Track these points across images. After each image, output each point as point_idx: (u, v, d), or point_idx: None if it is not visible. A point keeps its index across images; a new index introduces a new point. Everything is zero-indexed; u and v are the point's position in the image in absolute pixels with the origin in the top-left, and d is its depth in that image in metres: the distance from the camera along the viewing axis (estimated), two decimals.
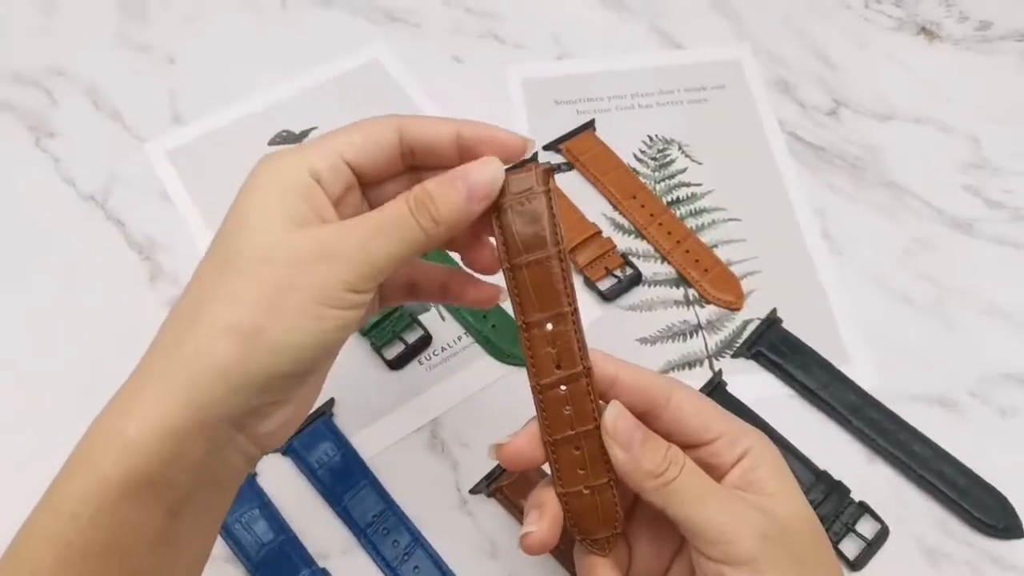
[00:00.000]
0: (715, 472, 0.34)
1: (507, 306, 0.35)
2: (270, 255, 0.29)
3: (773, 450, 0.34)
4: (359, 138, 0.32)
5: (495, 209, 0.32)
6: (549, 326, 0.33)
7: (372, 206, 0.33)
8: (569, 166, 0.35)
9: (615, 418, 0.33)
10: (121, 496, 0.28)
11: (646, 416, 0.34)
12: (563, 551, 0.44)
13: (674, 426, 0.34)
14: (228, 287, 0.29)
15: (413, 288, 0.39)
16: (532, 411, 0.34)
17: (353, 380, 0.51)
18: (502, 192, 0.32)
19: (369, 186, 0.34)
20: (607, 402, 0.34)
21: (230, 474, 0.31)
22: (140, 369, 0.30)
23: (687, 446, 0.34)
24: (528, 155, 0.34)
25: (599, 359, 0.34)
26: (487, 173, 0.32)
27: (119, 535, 0.28)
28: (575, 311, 0.33)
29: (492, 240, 0.34)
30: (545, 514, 0.34)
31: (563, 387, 0.33)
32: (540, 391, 0.33)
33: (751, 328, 0.54)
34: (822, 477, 0.48)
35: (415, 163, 0.34)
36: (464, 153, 0.33)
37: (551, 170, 0.33)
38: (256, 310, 0.28)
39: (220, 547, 0.46)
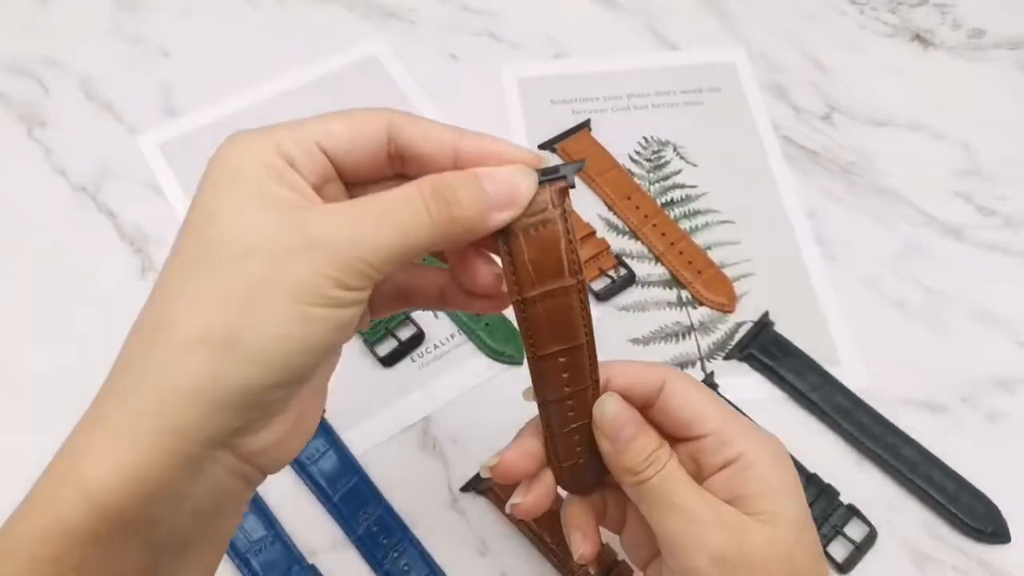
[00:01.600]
0: (698, 474, 0.32)
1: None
2: (247, 247, 0.24)
3: (776, 462, 0.32)
4: (339, 127, 0.27)
5: (503, 231, 0.28)
6: (563, 359, 0.30)
7: None
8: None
9: (603, 410, 0.32)
10: (88, 541, 0.24)
11: (640, 406, 0.33)
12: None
13: (665, 417, 0.33)
14: (196, 288, 0.25)
15: (406, 296, 0.33)
16: (523, 410, 0.34)
17: (345, 377, 0.51)
18: None
19: (351, 186, 0.29)
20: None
21: (225, 498, 0.27)
22: (102, 395, 0.25)
23: (677, 439, 0.33)
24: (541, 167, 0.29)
25: None
26: (521, 180, 0.27)
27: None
28: (591, 342, 0.30)
29: (494, 257, 0.31)
30: (533, 487, 0.34)
31: (570, 400, 0.32)
32: (545, 407, 0.32)
33: (743, 330, 0.54)
34: (812, 479, 0.48)
35: (403, 170, 0.29)
36: (463, 167, 0.28)
37: (567, 188, 0.28)
38: (234, 313, 0.24)
39: None
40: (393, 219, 0.25)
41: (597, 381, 0.32)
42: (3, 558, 0.24)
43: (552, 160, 0.29)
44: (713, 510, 0.31)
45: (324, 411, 0.50)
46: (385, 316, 0.34)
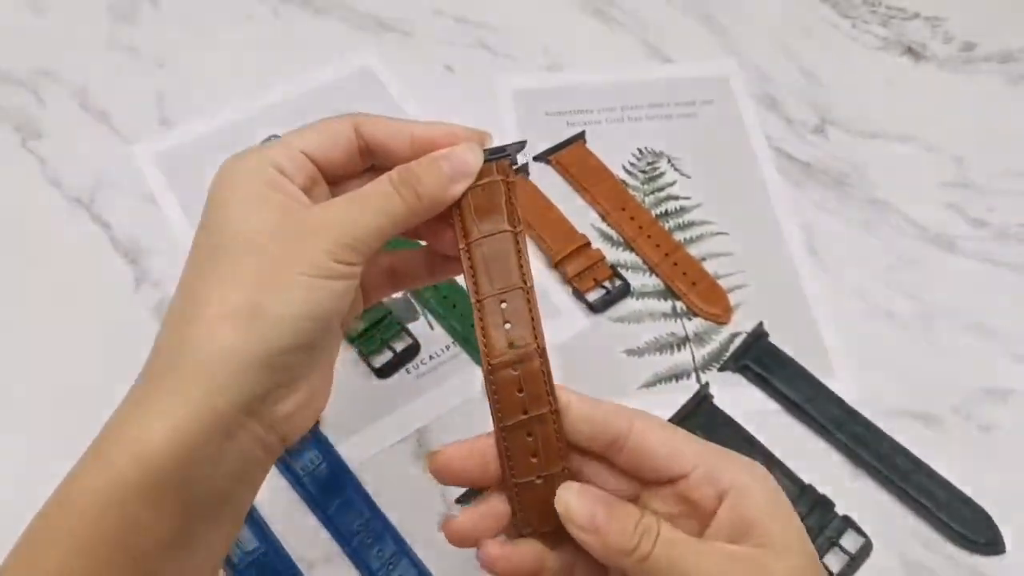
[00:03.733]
0: (697, 509, 0.31)
1: None
2: (256, 238, 0.30)
3: (765, 485, 0.31)
4: (314, 133, 0.33)
5: (457, 202, 0.33)
6: (504, 304, 0.32)
7: None
8: (526, 170, 0.35)
9: (567, 501, 0.30)
10: (135, 495, 0.27)
11: (609, 449, 0.32)
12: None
13: (640, 459, 0.31)
14: (218, 275, 0.29)
15: (395, 276, 0.38)
16: None
17: (340, 388, 0.50)
18: None
19: (333, 184, 0.34)
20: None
21: (250, 466, 0.31)
22: (147, 371, 0.30)
23: (659, 482, 0.32)
24: (487, 145, 0.34)
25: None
26: (469, 155, 0.33)
27: (128, 534, 0.28)
28: (531, 289, 0.32)
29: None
30: (481, 507, 0.32)
31: (513, 370, 0.31)
32: (491, 371, 0.31)
33: (738, 341, 0.54)
34: (807, 491, 0.48)
35: (374, 162, 0.35)
36: (419, 150, 0.33)
37: (509, 164, 0.33)
38: (252, 290, 0.29)
39: None
40: (374, 204, 0.31)
41: (544, 350, 0.31)
42: (58, 511, 0.28)
43: (495, 142, 0.34)
44: (731, 559, 0.29)
45: (319, 421, 0.50)
46: (379, 300, 0.40)
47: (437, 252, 0.37)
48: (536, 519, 0.32)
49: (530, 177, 0.60)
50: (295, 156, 0.32)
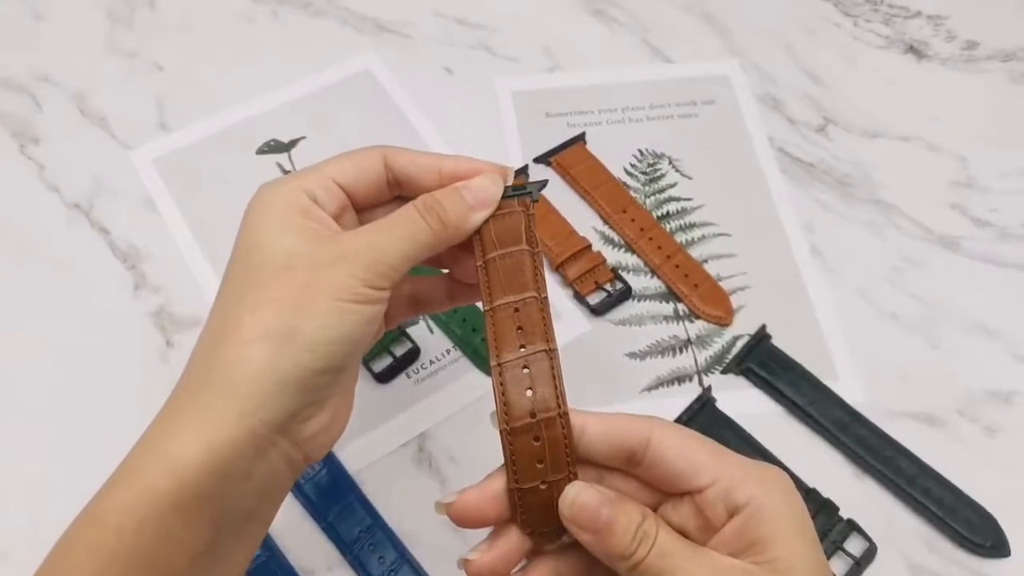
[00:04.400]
0: (707, 526, 0.30)
1: None
2: (289, 263, 0.31)
3: (785, 499, 0.30)
4: (347, 164, 0.35)
5: (478, 231, 0.35)
6: (516, 309, 0.32)
7: None
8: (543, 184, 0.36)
9: (572, 502, 0.30)
10: (169, 509, 0.28)
11: (627, 464, 0.31)
12: None
13: (658, 470, 0.31)
14: (254, 298, 0.31)
15: (417, 301, 0.40)
16: None
17: None
18: None
19: (361, 211, 0.36)
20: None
21: (276, 482, 0.32)
22: (181, 388, 0.31)
23: (675, 494, 0.31)
24: (509, 180, 0.36)
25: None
26: (490, 186, 0.35)
27: (163, 548, 0.28)
28: (544, 299, 0.33)
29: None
30: (495, 546, 0.31)
31: (526, 369, 0.31)
32: (500, 371, 0.31)
33: (740, 344, 0.54)
34: (811, 495, 0.48)
35: (401, 192, 0.36)
36: (446, 183, 0.35)
37: (530, 201, 0.35)
38: (286, 313, 0.30)
39: None
40: (401, 231, 0.33)
41: (555, 350, 0.31)
42: (90, 527, 0.29)
43: (520, 168, 0.36)
44: (724, 572, 0.29)
45: None
46: (400, 321, 0.42)
47: (457, 280, 0.40)
48: (538, 520, 0.31)
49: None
50: (328, 186, 0.34)
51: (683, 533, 0.31)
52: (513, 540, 0.31)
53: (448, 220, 0.33)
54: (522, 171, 0.37)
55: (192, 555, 0.29)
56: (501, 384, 0.31)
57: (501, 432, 0.31)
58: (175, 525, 0.28)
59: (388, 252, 0.32)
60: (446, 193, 0.34)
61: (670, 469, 0.31)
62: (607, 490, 0.31)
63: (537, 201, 0.35)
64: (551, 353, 0.31)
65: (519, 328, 0.32)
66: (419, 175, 0.35)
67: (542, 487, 0.31)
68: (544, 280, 0.33)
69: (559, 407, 0.31)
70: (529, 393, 0.31)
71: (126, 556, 0.28)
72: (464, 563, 0.31)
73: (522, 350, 0.31)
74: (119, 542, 0.28)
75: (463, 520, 0.31)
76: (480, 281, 0.34)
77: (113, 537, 0.28)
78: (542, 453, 0.30)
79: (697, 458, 0.31)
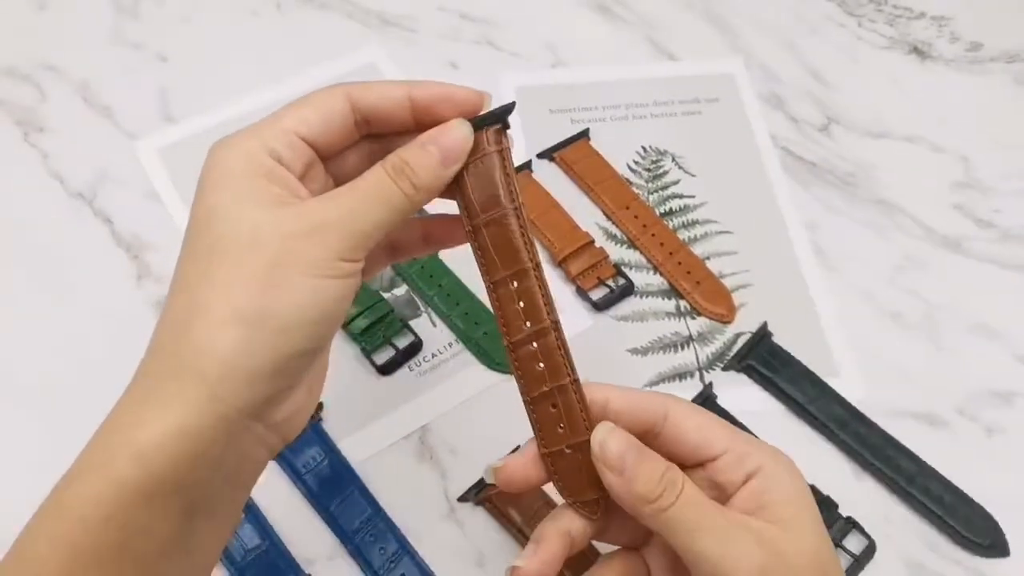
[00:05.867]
0: (722, 492, 0.32)
1: None
2: (256, 237, 0.28)
3: (790, 471, 0.33)
4: (310, 112, 0.31)
5: (456, 176, 0.33)
6: (514, 284, 0.32)
7: (336, 179, 0.33)
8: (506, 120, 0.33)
9: (603, 440, 0.31)
10: (137, 499, 0.27)
11: (645, 436, 0.33)
12: None
13: (674, 444, 0.33)
14: (219, 276, 0.28)
15: (393, 249, 0.37)
16: (522, 420, 0.34)
17: (342, 385, 0.51)
18: None
19: (329, 159, 0.33)
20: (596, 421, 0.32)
21: (250, 467, 0.31)
22: (142, 374, 0.29)
23: (690, 465, 0.33)
24: (488, 106, 0.33)
25: (588, 386, 0.33)
26: (458, 135, 0.31)
27: (131, 538, 0.27)
28: (537, 266, 0.32)
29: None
30: (540, 551, 0.32)
31: (533, 343, 0.33)
32: (513, 349, 0.33)
33: (742, 341, 0.54)
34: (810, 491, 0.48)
35: (371, 131, 0.33)
36: (419, 115, 0.32)
37: (501, 129, 0.32)
38: (256, 293, 0.28)
39: None
40: (375, 199, 0.30)
41: (557, 323, 0.32)
42: (53, 520, 0.27)
43: (498, 100, 0.33)
44: (746, 527, 0.30)
45: (321, 419, 0.50)
46: (378, 271, 0.39)
47: (431, 222, 0.37)
48: (575, 486, 0.33)
49: (534, 175, 0.60)
50: (292, 142, 0.30)
51: None
52: (555, 545, 0.33)
53: (420, 183, 0.31)
54: (508, 108, 0.33)
55: (162, 546, 0.28)
56: (516, 361, 0.33)
57: (524, 403, 0.33)
58: (143, 516, 0.27)
59: (363, 221, 0.29)
60: (414, 152, 0.31)
61: (688, 441, 0.33)
62: (635, 439, 0.32)
63: (509, 128, 0.33)
64: (555, 325, 0.33)
65: (521, 303, 0.33)
66: (390, 110, 0.32)
67: (567, 451, 0.33)
68: (532, 243, 0.33)
69: (569, 375, 0.32)
70: (540, 366, 0.33)
71: (93, 549, 0.26)
72: (512, 571, 0.32)
73: (527, 326, 0.33)
74: (85, 534, 0.26)
75: (511, 483, 0.33)
76: (473, 251, 0.33)
77: (79, 529, 0.26)
78: (560, 418, 0.33)
79: (711, 431, 0.33)
